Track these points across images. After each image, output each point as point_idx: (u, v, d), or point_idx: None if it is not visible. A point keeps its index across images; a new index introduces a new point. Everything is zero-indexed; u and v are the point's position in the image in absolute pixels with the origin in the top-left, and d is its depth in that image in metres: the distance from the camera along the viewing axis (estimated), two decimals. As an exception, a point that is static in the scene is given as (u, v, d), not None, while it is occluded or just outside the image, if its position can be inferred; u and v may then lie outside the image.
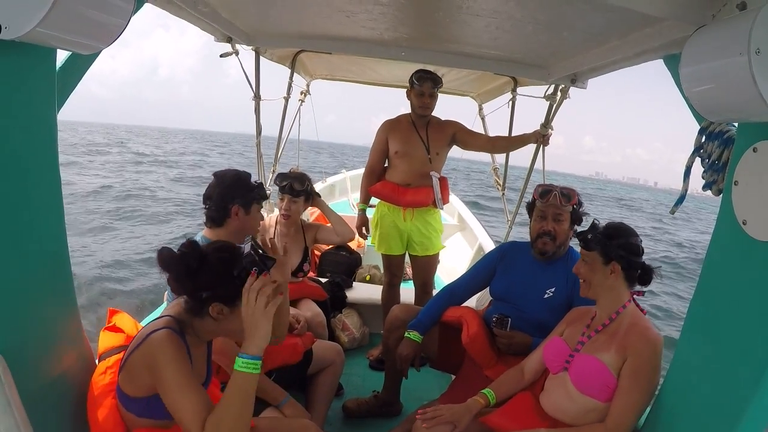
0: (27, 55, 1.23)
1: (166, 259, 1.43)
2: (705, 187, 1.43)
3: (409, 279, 3.69)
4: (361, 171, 3.90)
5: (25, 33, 1.00)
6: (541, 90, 3.27)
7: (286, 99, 4.01)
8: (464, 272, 2.59)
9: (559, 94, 3.12)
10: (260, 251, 1.54)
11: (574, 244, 2.35)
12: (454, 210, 6.00)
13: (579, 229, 2.23)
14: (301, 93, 4.23)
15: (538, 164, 3.53)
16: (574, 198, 2.23)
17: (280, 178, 2.87)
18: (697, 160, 1.48)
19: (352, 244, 4.42)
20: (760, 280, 1.17)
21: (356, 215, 3.41)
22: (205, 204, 2.11)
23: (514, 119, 3.75)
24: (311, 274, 3.87)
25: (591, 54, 2.36)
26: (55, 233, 1.47)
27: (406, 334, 2.31)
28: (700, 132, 1.46)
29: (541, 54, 2.71)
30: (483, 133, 4.20)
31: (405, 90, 3.23)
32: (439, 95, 3.16)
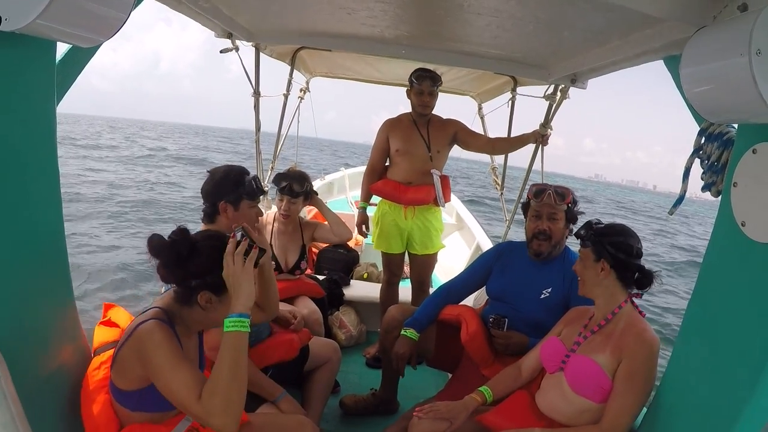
0: (27, 48, 1.23)
1: (156, 245, 1.42)
2: (704, 188, 1.43)
3: (407, 277, 3.69)
4: (360, 169, 3.91)
5: (26, 25, 1.00)
6: (540, 90, 3.27)
7: (286, 96, 4.00)
8: (461, 271, 2.59)
9: (558, 94, 3.13)
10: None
11: (573, 244, 2.36)
12: (453, 209, 6.00)
13: (575, 228, 2.24)
14: (301, 90, 4.23)
15: (537, 165, 3.54)
16: (568, 197, 2.23)
17: (279, 178, 2.87)
18: (697, 161, 1.48)
19: (350, 242, 4.42)
20: (759, 282, 1.17)
21: (354, 213, 3.41)
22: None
23: (514, 119, 3.76)
24: (309, 271, 3.87)
25: (591, 54, 2.37)
26: (53, 227, 1.47)
27: (402, 332, 2.31)
28: (700, 133, 1.46)
29: (542, 54, 2.72)
30: (482, 132, 4.20)
31: (405, 89, 3.23)
32: (439, 94, 3.16)
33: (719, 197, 1.34)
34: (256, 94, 3.58)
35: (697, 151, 1.47)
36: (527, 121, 3.56)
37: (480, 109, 4.50)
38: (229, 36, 2.86)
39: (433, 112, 3.22)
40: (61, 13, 1.05)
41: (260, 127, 3.74)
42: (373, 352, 3.33)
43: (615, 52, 2.14)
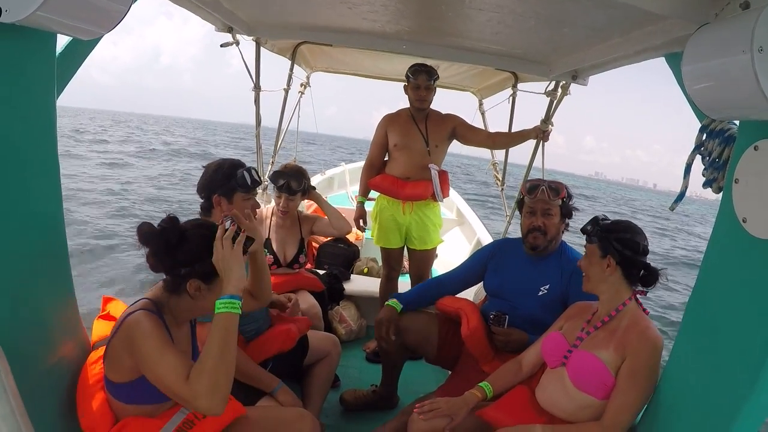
0: (27, 40, 1.22)
1: (145, 233, 1.43)
2: (705, 185, 1.43)
3: (407, 272, 3.70)
4: (360, 164, 3.90)
5: (26, 16, 1.00)
6: (541, 86, 3.26)
7: (286, 91, 4.00)
8: (456, 266, 2.60)
9: (559, 90, 3.12)
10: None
11: (573, 244, 2.36)
12: (453, 204, 6.01)
13: (570, 222, 2.26)
14: (302, 85, 4.22)
15: (537, 162, 3.53)
16: (562, 191, 2.22)
17: (276, 176, 2.87)
18: (698, 158, 1.48)
19: (350, 237, 4.42)
20: (759, 278, 1.17)
21: (355, 208, 3.42)
22: None
23: (514, 115, 3.75)
24: (309, 266, 3.87)
25: (592, 50, 2.36)
26: (53, 220, 1.47)
27: (387, 302, 2.37)
28: (701, 130, 1.46)
29: (543, 50, 2.71)
30: (483, 128, 4.19)
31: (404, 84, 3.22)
32: (440, 90, 3.15)
33: (720, 194, 1.34)
34: (257, 88, 3.57)
35: (698, 147, 1.47)
36: (528, 118, 3.56)
37: (481, 105, 4.49)
38: (230, 30, 2.85)
39: (434, 107, 3.22)
40: (62, 4, 1.05)
41: (261, 121, 3.74)
42: (373, 346, 3.34)
43: (616, 49, 2.14)
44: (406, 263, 3.83)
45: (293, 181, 2.83)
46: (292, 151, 4.97)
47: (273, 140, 4.30)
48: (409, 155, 3.16)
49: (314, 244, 4.31)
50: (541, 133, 3.25)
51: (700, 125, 1.48)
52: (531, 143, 3.44)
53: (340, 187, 6.78)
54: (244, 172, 2.05)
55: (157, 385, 1.35)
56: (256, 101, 3.63)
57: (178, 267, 1.43)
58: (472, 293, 3.18)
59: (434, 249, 3.36)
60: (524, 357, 1.97)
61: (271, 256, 2.87)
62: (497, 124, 3.81)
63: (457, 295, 2.48)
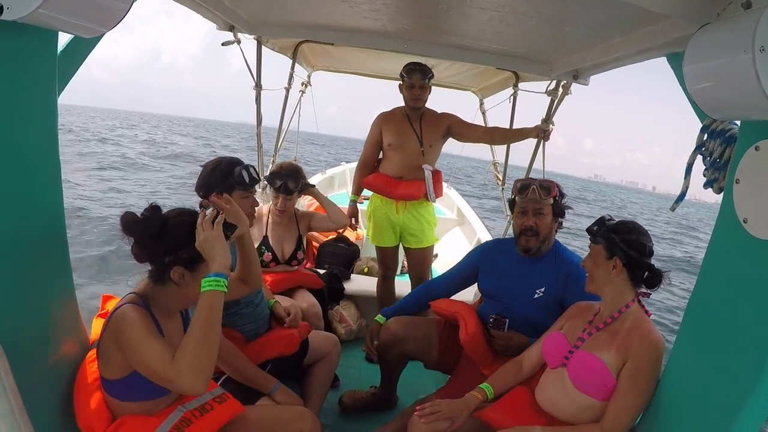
0: (28, 37, 1.22)
1: (129, 223, 1.43)
2: (706, 185, 1.43)
3: (407, 272, 3.69)
4: None
5: (27, 14, 1.00)
6: (542, 86, 3.26)
7: (287, 89, 4.00)
8: (448, 269, 2.60)
9: (560, 89, 3.12)
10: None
11: (569, 243, 2.35)
12: (453, 204, 6.00)
13: (563, 221, 2.27)
14: (302, 84, 4.22)
15: (537, 163, 3.53)
16: (553, 190, 2.20)
17: (273, 177, 2.87)
18: (699, 158, 1.48)
19: (351, 236, 4.42)
20: (760, 279, 1.17)
21: None
22: None
23: (515, 115, 3.74)
24: (309, 265, 3.87)
25: (593, 50, 2.36)
26: (54, 218, 1.47)
27: (375, 318, 2.47)
28: (703, 130, 1.46)
29: (544, 49, 2.71)
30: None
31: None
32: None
33: (721, 194, 1.34)
34: (258, 87, 3.57)
35: (699, 147, 1.47)
36: (529, 117, 3.55)
37: (481, 104, 4.48)
38: (231, 28, 2.85)
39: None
40: (63, 2, 1.05)
41: (261, 120, 3.74)
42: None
43: (617, 49, 2.13)
44: (406, 263, 3.83)
45: (290, 182, 2.83)
46: (293, 151, 4.97)
47: (274, 140, 4.30)
48: (402, 155, 3.16)
49: (314, 243, 4.30)
50: (541, 133, 3.24)
51: (701, 125, 1.48)
52: (531, 144, 3.44)
53: (340, 186, 6.78)
54: (242, 169, 2.05)
55: (145, 374, 1.36)
56: (257, 100, 3.63)
57: (162, 255, 1.44)
58: (471, 294, 3.17)
59: (431, 247, 3.35)
60: (525, 357, 1.96)
61: (270, 254, 2.87)
62: (498, 124, 3.80)
63: (453, 297, 2.48)
